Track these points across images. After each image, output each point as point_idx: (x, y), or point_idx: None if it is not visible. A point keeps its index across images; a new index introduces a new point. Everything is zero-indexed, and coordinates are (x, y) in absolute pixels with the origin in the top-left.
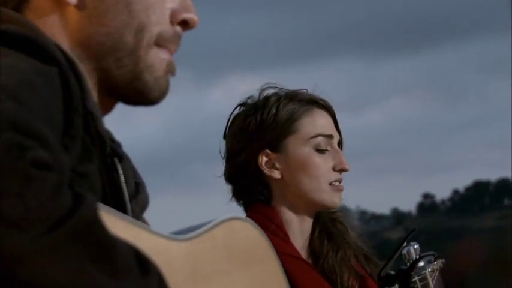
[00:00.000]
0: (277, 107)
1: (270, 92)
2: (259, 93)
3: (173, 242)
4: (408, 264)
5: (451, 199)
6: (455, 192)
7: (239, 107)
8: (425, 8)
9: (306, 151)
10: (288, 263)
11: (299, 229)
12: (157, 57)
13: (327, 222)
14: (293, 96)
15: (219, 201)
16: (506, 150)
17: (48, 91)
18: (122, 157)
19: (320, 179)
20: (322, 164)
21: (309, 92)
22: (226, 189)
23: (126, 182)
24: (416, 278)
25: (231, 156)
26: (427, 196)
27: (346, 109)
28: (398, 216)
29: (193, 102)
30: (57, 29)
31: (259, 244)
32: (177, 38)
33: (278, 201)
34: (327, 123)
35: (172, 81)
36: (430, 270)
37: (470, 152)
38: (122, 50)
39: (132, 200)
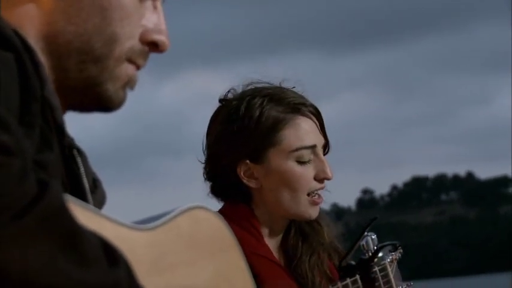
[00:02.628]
0: (260, 112)
1: (254, 85)
2: (242, 89)
3: (136, 232)
4: (367, 254)
5: (390, 195)
6: (394, 187)
7: (221, 102)
8: (377, 5)
9: (288, 164)
10: (259, 264)
11: (274, 230)
12: (125, 73)
13: (303, 222)
14: (278, 100)
15: (173, 195)
16: (448, 146)
17: (3, 77)
18: (80, 150)
19: (299, 191)
20: (304, 175)
21: (296, 92)
22: (179, 183)
23: (85, 176)
24: (376, 268)
25: (211, 160)
26: (366, 192)
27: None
28: (337, 212)
29: (146, 95)
30: (27, 19)
31: (222, 234)
32: (146, 54)
33: (257, 206)
34: (311, 132)
35: None
36: (389, 260)
37: (412, 148)
38: (87, 55)
39: (91, 195)
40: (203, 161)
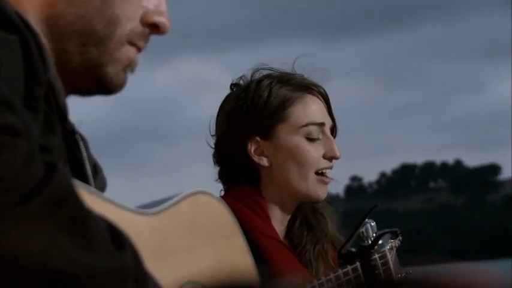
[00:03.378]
0: (269, 92)
1: (264, 73)
2: (252, 75)
3: (139, 216)
4: (366, 241)
5: (378, 182)
6: (383, 175)
7: (231, 87)
8: None
9: (297, 140)
10: (266, 243)
11: (281, 216)
12: (126, 55)
13: (308, 213)
14: (286, 81)
15: (163, 181)
16: (437, 134)
17: (8, 59)
18: (82, 135)
19: (308, 168)
20: (312, 152)
21: (303, 76)
22: (169, 168)
23: (88, 161)
24: (376, 256)
25: (220, 141)
26: (354, 179)
27: None
28: (325, 199)
29: (139, 81)
30: (27, 1)
31: (224, 219)
32: (146, 36)
33: (265, 187)
34: (319, 110)
35: None
36: (388, 248)
37: (402, 136)
38: (89, 37)
39: (93, 181)
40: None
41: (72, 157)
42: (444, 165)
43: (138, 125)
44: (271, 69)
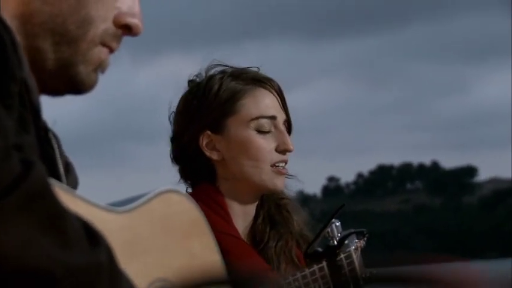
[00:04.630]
0: (220, 85)
1: (218, 69)
2: (206, 71)
3: (110, 214)
4: (331, 241)
5: (356, 183)
6: (360, 175)
7: (188, 84)
8: None
9: (247, 133)
10: (226, 242)
11: (242, 212)
12: (98, 56)
13: (272, 209)
14: (238, 75)
15: (146, 181)
16: (414, 135)
17: None
18: (54, 133)
19: (261, 161)
20: (264, 145)
21: (258, 70)
22: (151, 168)
23: (60, 158)
24: (342, 256)
25: (175, 137)
26: (331, 179)
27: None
28: (303, 199)
29: (123, 79)
30: None
31: (195, 218)
32: (119, 37)
33: (221, 182)
34: (271, 104)
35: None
36: (354, 248)
37: (380, 136)
38: (62, 36)
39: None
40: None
41: (45, 155)
42: (421, 167)
43: (119, 124)
44: (226, 65)
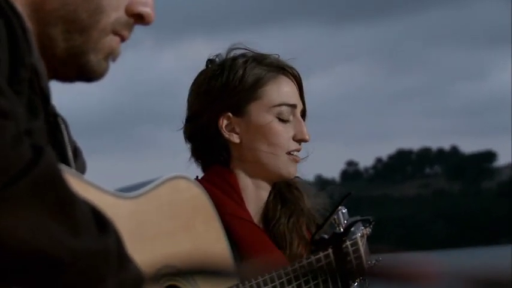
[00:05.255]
0: (244, 70)
1: (238, 52)
2: (227, 53)
3: (119, 200)
4: (337, 228)
5: (374, 167)
6: (379, 160)
7: (207, 64)
8: None
9: (268, 119)
10: (238, 225)
11: (254, 196)
12: (109, 44)
13: (283, 187)
14: (261, 60)
15: (165, 165)
16: (436, 120)
17: None
18: (63, 118)
19: (278, 147)
20: (283, 133)
21: (278, 57)
22: (176, 152)
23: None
24: (348, 243)
25: (192, 116)
26: (350, 164)
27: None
28: (321, 183)
29: (146, 62)
30: None
31: (203, 204)
32: (131, 25)
33: (236, 165)
34: (291, 92)
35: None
36: (360, 235)
37: (400, 121)
38: (73, 24)
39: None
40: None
41: (54, 140)
42: (440, 152)
43: (139, 108)
44: (246, 48)
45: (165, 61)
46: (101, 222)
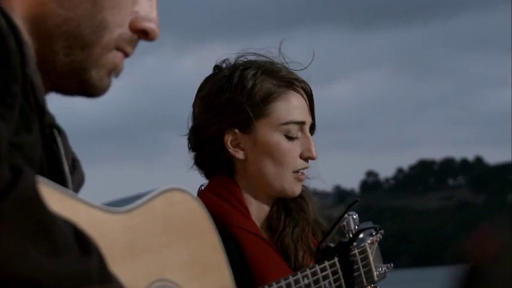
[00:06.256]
0: (253, 84)
1: (248, 58)
2: (236, 59)
3: (111, 215)
4: (347, 235)
5: (395, 178)
6: (400, 170)
7: (214, 69)
8: None
9: (276, 136)
10: (246, 239)
11: (257, 208)
12: (112, 61)
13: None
14: (271, 72)
15: (188, 175)
16: (459, 129)
17: None
18: (61, 129)
19: (285, 166)
20: (290, 152)
21: (287, 68)
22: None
23: (65, 156)
24: (356, 251)
25: (198, 127)
26: (370, 174)
27: (313, 81)
28: (340, 194)
29: (165, 67)
30: None
31: (199, 217)
32: (135, 41)
33: (240, 179)
34: (301, 108)
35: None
36: (369, 242)
37: (422, 130)
38: (75, 40)
39: (70, 176)
40: (185, 134)
41: (50, 152)
42: (464, 162)
43: (159, 113)
44: (256, 54)
45: (185, 65)
46: (82, 243)
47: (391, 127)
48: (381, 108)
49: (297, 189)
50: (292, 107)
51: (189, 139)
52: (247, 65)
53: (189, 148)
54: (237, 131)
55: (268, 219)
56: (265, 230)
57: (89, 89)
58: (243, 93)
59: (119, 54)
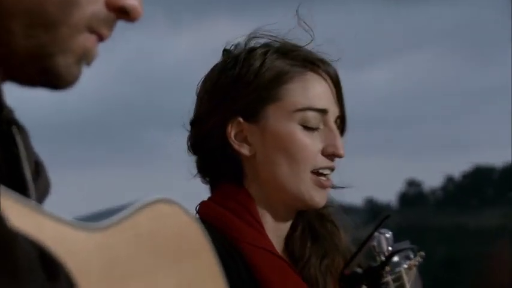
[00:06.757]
0: (262, 63)
1: (261, 41)
2: (246, 42)
3: (84, 232)
4: (378, 258)
5: (444, 188)
6: (450, 179)
7: (223, 53)
8: None
9: (290, 126)
10: (259, 257)
11: (273, 223)
12: (82, 45)
13: (314, 220)
14: (286, 52)
15: (183, 179)
16: None
17: None
18: (20, 126)
19: (301, 164)
20: (308, 145)
21: (312, 50)
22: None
23: (26, 159)
24: (389, 278)
25: (196, 121)
26: (412, 183)
27: (344, 65)
28: (373, 209)
29: (157, 47)
30: None
31: (193, 234)
32: (112, 22)
33: (250, 184)
34: (322, 94)
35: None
36: (406, 267)
37: (480, 129)
38: (38, 17)
39: (33, 183)
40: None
41: (8, 154)
42: None
43: (149, 106)
44: (271, 36)
45: (182, 45)
46: (49, 266)
47: (439, 124)
48: (426, 100)
49: (317, 198)
50: (310, 90)
51: (187, 138)
52: (259, 46)
53: (188, 149)
54: (241, 120)
55: (290, 243)
56: (285, 255)
57: (54, 79)
58: (248, 73)
59: (92, 37)
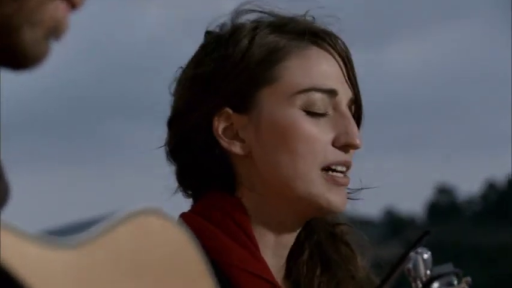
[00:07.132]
0: (251, 39)
1: (251, 18)
2: (233, 19)
3: (52, 251)
4: (414, 284)
5: (484, 197)
6: (491, 186)
7: (205, 36)
8: None
9: (290, 113)
10: (250, 285)
11: (273, 243)
12: (52, 15)
13: (324, 240)
14: (281, 25)
15: (140, 180)
16: None
17: None
18: None
19: (308, 160)
20: (315, 135)
21: (312, 21)
22: (151, 159)
23: None
24: None
25: (175, 118)
26: (443, 191)
27: (362, 42)
28: (395, 222)
29: (120, 18)
30: None
31: (185, 253)
32: None
33: (243, 192)
34: (329, 71)
35: None
36: None
37: None
38: None
39: None
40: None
41: None
42: None
43: (109, 91)
44: (264, 12)
45: (151, 15)
46: None
47: (479, 116)
48: (465, 85)
49: (335, 199)
50: (313, 67)
51: (166, 141)
52: (249, 21)
53: (167, 157)
54: (230, 111)
55: (295, 270)
56: (287, 283)
57: (18, 56)
58: (235, 53)
59: (62, 6)
